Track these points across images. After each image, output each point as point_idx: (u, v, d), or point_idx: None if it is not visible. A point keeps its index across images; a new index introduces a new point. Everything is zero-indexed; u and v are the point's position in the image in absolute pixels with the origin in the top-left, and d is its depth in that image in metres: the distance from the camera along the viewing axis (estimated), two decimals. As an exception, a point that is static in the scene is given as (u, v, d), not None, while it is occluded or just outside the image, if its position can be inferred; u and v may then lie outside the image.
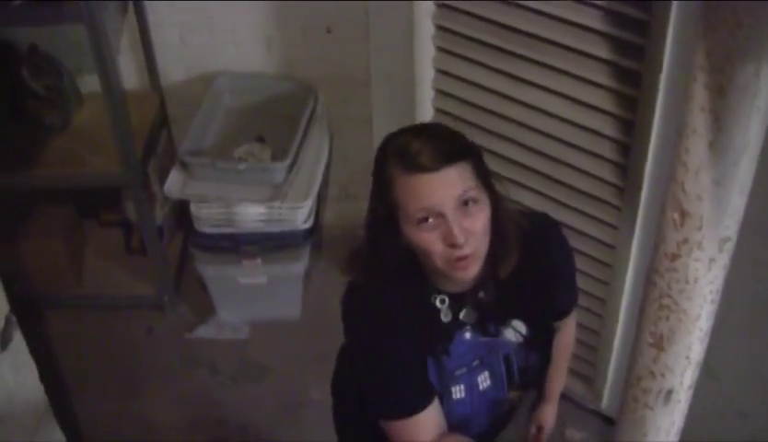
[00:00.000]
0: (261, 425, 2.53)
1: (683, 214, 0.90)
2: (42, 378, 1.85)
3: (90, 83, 2.64)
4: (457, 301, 1.38)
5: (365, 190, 1.37)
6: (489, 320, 1.40)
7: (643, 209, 1.95)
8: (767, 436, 2.02)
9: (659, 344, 1.01)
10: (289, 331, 2.79)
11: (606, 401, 2.38)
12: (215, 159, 2.55)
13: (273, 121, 2.74)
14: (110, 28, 2.42)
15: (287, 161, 2.48)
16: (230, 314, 2.81)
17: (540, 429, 1.76)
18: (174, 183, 2.55)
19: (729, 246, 0.93)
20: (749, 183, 0.90)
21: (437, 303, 1.37)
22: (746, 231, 0.96)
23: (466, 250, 1.23)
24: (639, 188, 1.92)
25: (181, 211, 2.84)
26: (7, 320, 1.68)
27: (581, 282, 1.96)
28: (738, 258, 0.99)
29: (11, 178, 2.60)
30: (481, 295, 1.38)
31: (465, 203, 1.23)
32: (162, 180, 2.64)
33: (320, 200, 2.80)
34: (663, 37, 1.68)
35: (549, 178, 2.12)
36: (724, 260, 0.94)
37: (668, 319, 0.99)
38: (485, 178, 1.29)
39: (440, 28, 2.15)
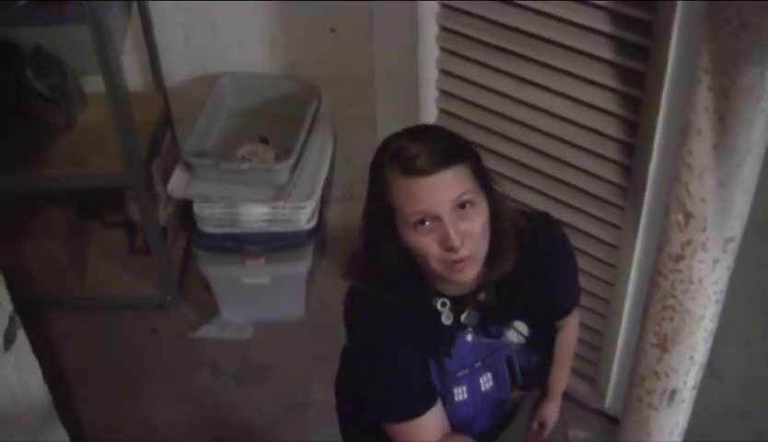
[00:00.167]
0: (264, 426, 2.53)
1: (687, 215, 0.90)
2: (46, 377, 1.85)
3: (94, 83, 2.64)
4: (458, 304, 1.38)
5: (368, 191, 1.36)
6: (490, 322, 1.40)
7: (647, 210, 1.95)
8: (771, 436, 2.02)
9: (663, 345, 1.01)
10: (292, 331, 2.79)
11: (609, 401, 2.38)
12: (219, 160, 2.55)
13: (277, 121, 2.74)
14: (114, 28, 2.42)
15: (291, 161, 2.48)
16: (233, 314, 2.81)
17: (542, 425, 1.77)
18: (178, 183, 2.56)
19: (733, 246, 0.93)
20: (753, 185, 0.90)
21: (438, 306, 1.37)
22: (749, 232, 0.96)
23: (462, 253, 1.23)
24: (643, 189, 1.92)
25: (185, 211, 2.84)
26: (11, 320, 1.68)
27: (584, 282, 1.97)
28: (741, 259, 0.98)
29: (15, 178, 2.60)
30: (482, 296, 1.38)
31: (462, 205, 1.23)
32: (166, 180, 2.64)
33: (324, 200, 2.79)
34: (668, 38, 1.68)
35: (553, 178, 2.12)
36: (728, 260, 0.94)
37: (672, 319, 0.98)
38: (484, 179, 1.28)
39: (444, 28, 2.14)
